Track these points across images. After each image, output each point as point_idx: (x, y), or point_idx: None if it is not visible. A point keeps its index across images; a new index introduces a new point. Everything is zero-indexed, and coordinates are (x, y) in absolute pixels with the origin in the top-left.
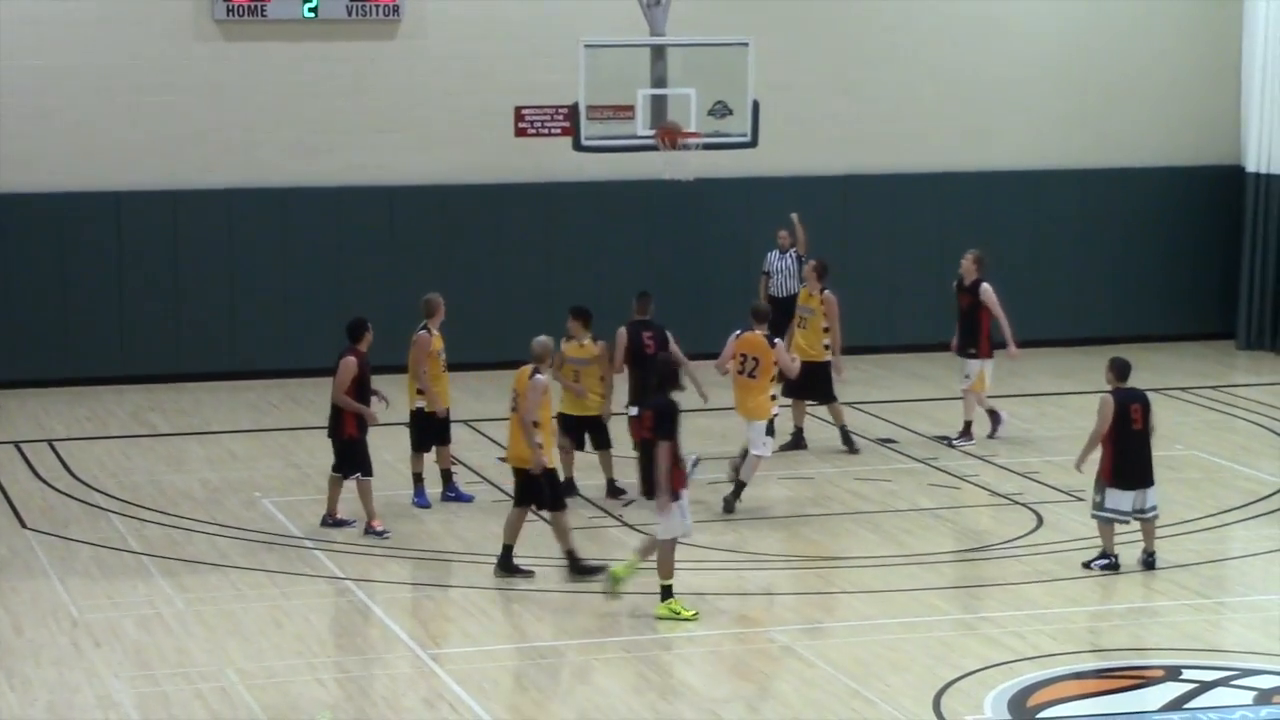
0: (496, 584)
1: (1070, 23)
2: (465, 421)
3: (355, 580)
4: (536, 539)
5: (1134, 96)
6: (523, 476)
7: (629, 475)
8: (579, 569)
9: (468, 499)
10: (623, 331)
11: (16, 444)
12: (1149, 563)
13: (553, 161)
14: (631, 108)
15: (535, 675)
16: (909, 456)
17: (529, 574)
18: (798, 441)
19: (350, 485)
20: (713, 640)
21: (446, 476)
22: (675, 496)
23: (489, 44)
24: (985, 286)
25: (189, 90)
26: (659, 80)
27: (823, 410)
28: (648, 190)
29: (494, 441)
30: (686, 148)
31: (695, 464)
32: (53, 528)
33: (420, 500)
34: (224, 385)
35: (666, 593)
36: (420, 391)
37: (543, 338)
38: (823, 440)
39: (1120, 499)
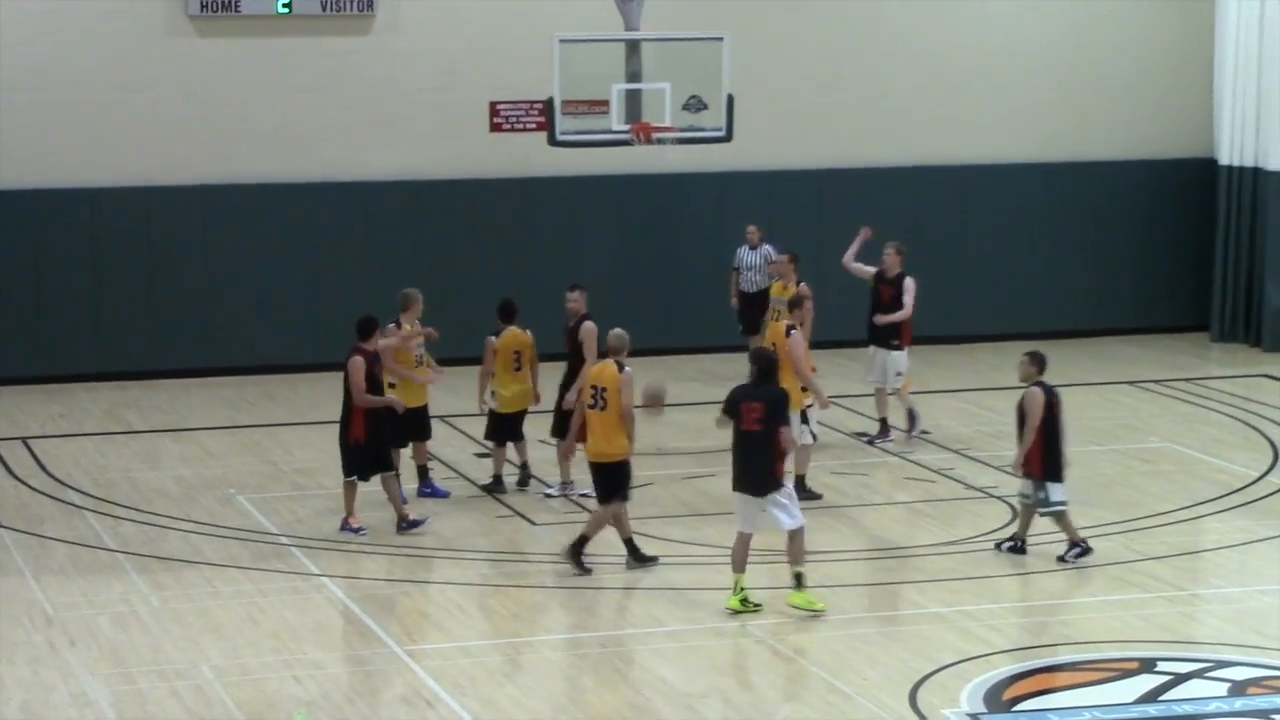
0: (473, 580)
1: (1044, 16)
2: (441, 417)
3: (331, 577)
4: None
5: (1107, 89)
6: (608, 472)
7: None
8: (639, 557)
9: (444, 494)
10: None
11: None
12: (1019, 548)
13: (528, 156)
14: (606, 103)
15: (512, 671)
16: (884, 450)
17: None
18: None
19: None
20: (689, 635)
21: (423, 472)
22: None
23: (464, 39)
24: (909, 281)
25: (163, 87)
26: (634, 75)
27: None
28: (623, 185)
29: (470, 437)
30: (661, 142)
31: None
32: (27, 525)
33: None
34: (199, 382)
35: (800, 581)
36: (392, 385)
37: (619, 330)
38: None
39: (1058, 490)
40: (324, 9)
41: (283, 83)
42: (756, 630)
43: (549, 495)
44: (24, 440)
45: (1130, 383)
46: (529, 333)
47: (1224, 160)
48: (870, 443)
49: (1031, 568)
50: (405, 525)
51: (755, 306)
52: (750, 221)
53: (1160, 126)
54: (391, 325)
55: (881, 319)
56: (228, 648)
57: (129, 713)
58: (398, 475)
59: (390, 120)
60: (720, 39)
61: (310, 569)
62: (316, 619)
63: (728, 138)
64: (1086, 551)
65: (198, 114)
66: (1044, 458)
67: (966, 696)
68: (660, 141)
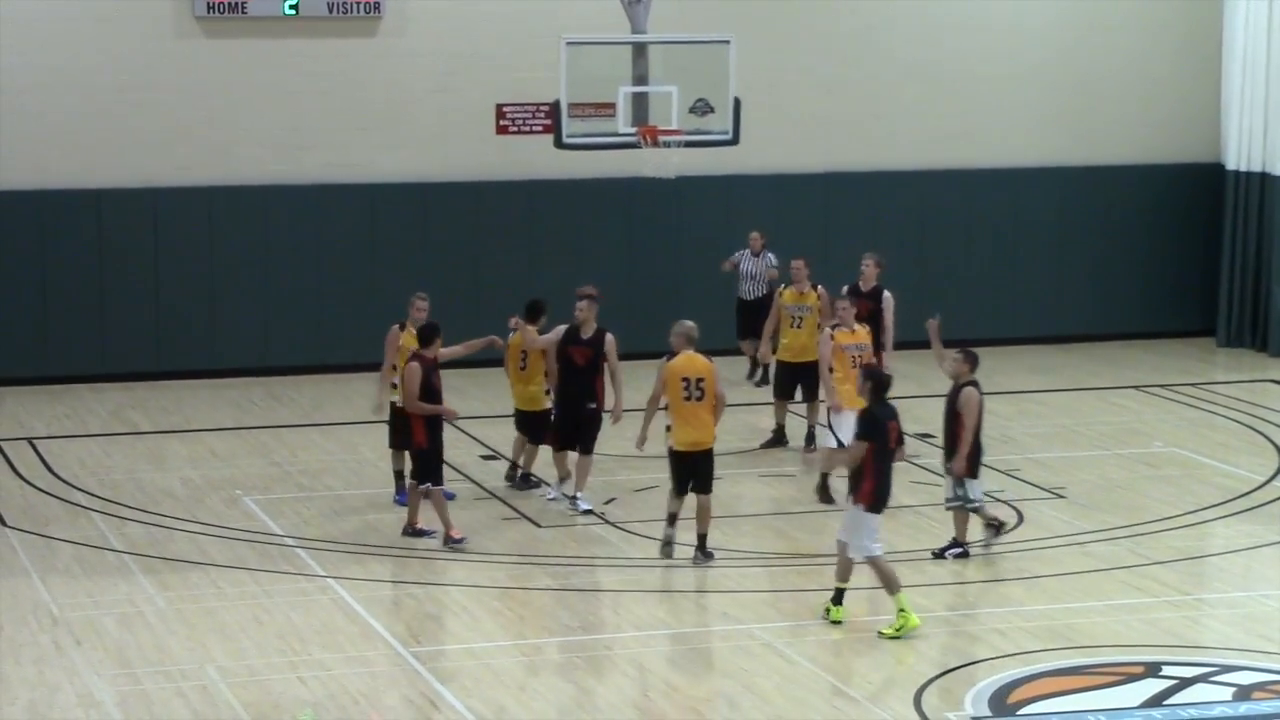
0: (479, 582)
1: (1051, 20)
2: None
3: (337, 578)
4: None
5: (1114, 94)
6: (705, 459)
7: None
8: (707, 553)
9: (450, 496)
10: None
11: None
12: (966, 552)
13: (534, 159)
14: (613, 105)
15: (517, 673)
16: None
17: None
18: (779, 439)
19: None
20: (695, 638)
21: None
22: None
23: (470, 41)
24: (888, 295)
25: (169, 88)
26: (640, 78)
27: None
28: (629, 188)
29: (475, 439)
30: (668, 145)
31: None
32: (33, 526)
33: (402, 499)
34: (205, 383)
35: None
36: (395, 386)
37: (690, 322)
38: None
39: (977, 487)
40: (330, 11)
41: (289, 84)
42: (762, 633)
43: (551, 499)
44: (30, 441)
45: (1136, 387)
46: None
47: (1231, 165)
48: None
49: (1037, 572)
50: (451, 540)
51: (753, 313)
52: (755, 225)
53: (1167, 131)
54: (394, 327)
55: (884, 357)
56: (233, 649)
57: (134, 713)
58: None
59: (396, 122)
60: (727, 42)
61: (316, 570)
62: (322, 620)
63: (734, 141)
64: (966, 555)
65: (204, 115)
66: (972, 455)
67: (971, 700)
68: (667, 144)
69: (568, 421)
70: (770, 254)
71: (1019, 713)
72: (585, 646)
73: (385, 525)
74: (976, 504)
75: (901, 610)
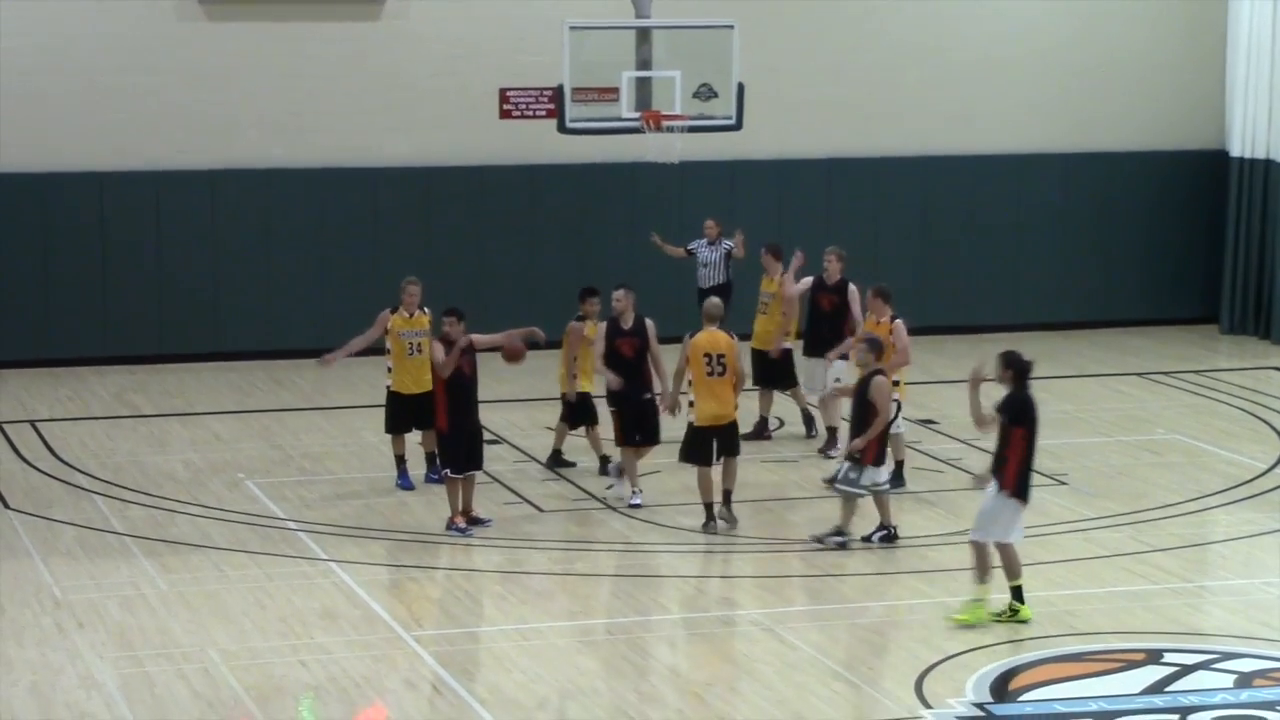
0: (480, 566)
1: (1054, 7)
2: None
3: (338, 561)
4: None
5: (1118, 80)
6: (730, 431)
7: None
8: (732, 514)
9: (407, 487)
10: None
11: None
12: (893, 535)
13: (537, 144)
14: (616, 90)
15: (518, 657)
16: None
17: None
18: (761, 431)
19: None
20: (695, 623)
21: (430, 459)
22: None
23: (473, 26)
24: (853, 288)
25: (171, 71)
26: (644, 63)
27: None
28: (632, 173)
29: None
30: (671, 130)
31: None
32: (36, 508)
33: (403, 482)
34: (207, 366)
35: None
36: (389, 370)
37: (715, 298)
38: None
39: (879, 474)
40: None
41: (292, 68)
42: (763, 618)
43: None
44: (32, 423)
45: (1139, 374)
46: (589, 324)
47: (1235, 152)
48: (823, 454)
49: (1038, 558)
50: (453, 526)
51: None
52: (759, 210)
53: (1172, 118)
54: (385, 311)
55: (858, 342)
56: (235, 631)
57: (136, 695)
58: (464, 477)
59: (400, 106)
60: (731, 26)
61: (318, 554)
62: (323, 604)
63: (738, 126)
64: (846, 545)
65: (206, 98)
66: (879, 442)
67: (973, 686)
68: (670, 129)
69: (629, 417)
70: (726, 241)
71: (1020, 699)
72: (586, 631)
73: (387, 509)
74: (880, 489)
75: (980, 601)
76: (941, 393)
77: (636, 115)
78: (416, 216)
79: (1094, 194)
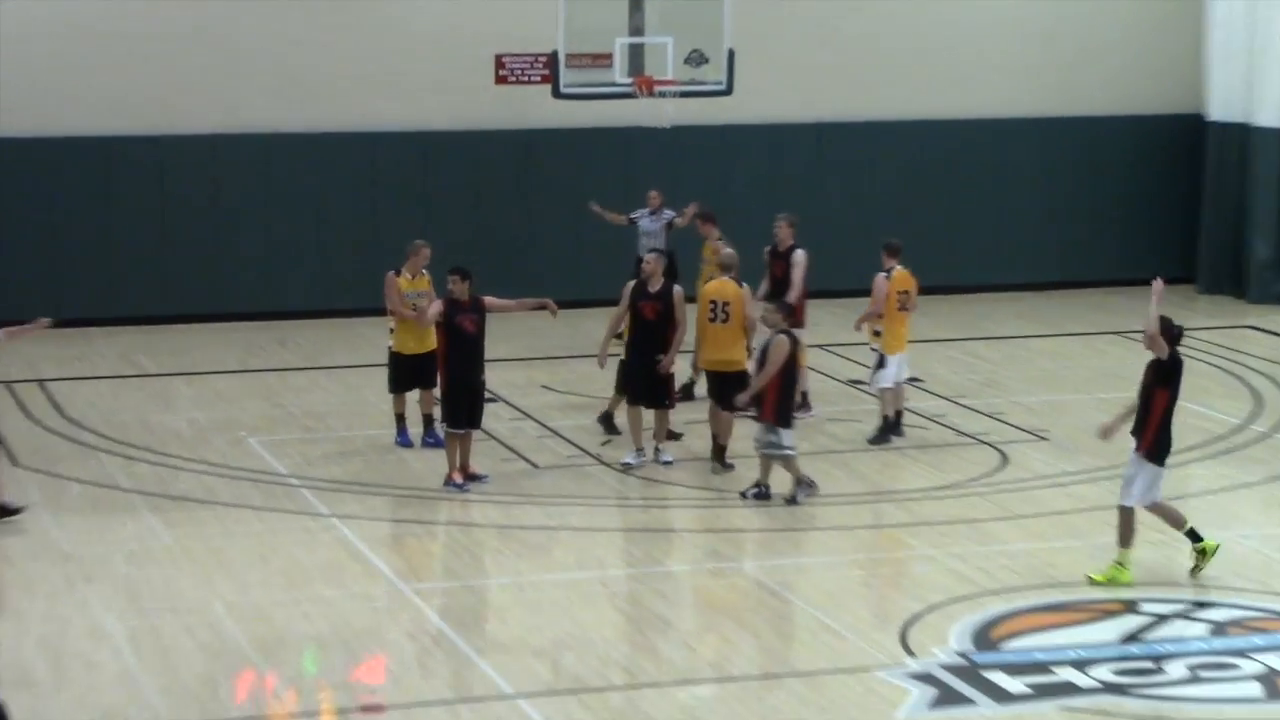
0: (477, 520)
1: None
2: None
3: (339, 517)
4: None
5: (1097, 45)
6: (732, 380)
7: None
8: (727, 464)
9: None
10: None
11: (7, 384)
12: (764, 494)
13: (533, 109)
14: (610, 56)
15: (515, 610)
16: (878, 398)
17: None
18: (688, 393)
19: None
20: (687, 575)
21: (427, 421)
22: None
23: None
24: (799, 253)
25: (172, 36)
26: (637, 29)
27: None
28: (627, 137)
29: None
30: (663, 95)
31: None
32: (44, 465)
33: (403, 440)
34: (211, 327)
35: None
36: (391, 331)
37: (731, 250)
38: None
39: (789, 436)
40: None
41: (291, 33)
42: (753, 570)
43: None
44: (40, 383)
45: (1117, 333)
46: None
47: (1213, 116)
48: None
49: (1019, 512)
50: (451, 482)
51: None
52: (749, 175)
53: (1150, 83)
54: (390, 272)
55: (794, 298)
56: (239, 585)
57: (144, 647)
58: (463, 434)
59: (396, 72)
60: None
61: (319, 509)
62: (325, 558)
63: (728, 91)
64: (813, 488)
65: (208, 64)
66: (779, 403)
67: (955, 636)
68: (662, 94)
69: (639, 376)
70: (667, 210)
71: (1002, 647)
72: (580, 584)
73: (387, 465)
74: (785, 452)
75: (1121, 565)
76: (926, 351)
77: (629, 81)
78: (414, 180)
79: (1073, 157)
